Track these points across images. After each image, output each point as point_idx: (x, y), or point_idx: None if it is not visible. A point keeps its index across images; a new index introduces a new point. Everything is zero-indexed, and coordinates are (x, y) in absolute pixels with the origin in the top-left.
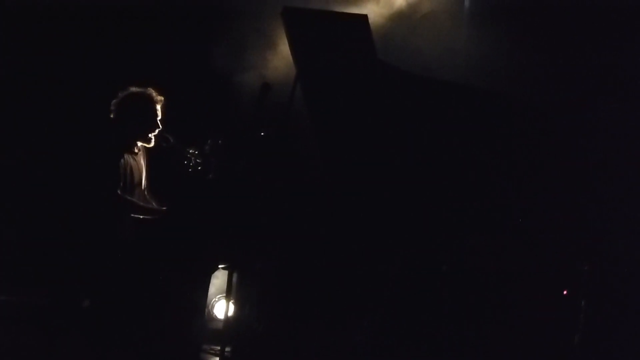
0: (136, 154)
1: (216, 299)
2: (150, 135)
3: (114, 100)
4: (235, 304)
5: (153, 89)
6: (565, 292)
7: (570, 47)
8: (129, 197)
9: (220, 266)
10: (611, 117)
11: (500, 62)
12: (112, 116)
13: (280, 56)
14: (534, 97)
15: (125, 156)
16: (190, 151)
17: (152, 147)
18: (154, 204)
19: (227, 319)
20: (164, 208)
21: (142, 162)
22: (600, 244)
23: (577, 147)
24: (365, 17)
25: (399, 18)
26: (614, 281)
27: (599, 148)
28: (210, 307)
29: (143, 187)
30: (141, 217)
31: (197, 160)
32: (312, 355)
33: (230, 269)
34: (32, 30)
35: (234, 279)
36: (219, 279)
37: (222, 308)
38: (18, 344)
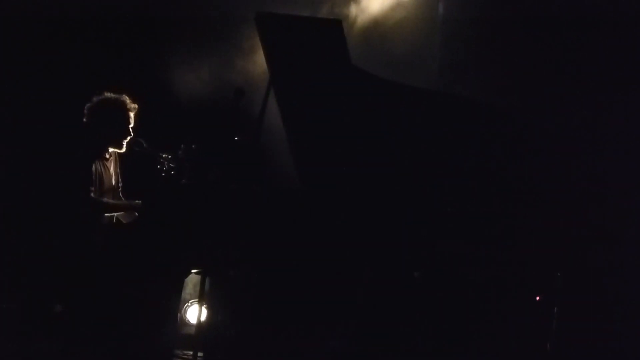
0: (107, 159)
1: (189, 304)
2: (121, 141)
3: (88, 105)
4: (207, 309)
5: (127, 96)
6: (538, 298)
7: (544, 52)
8: (100, 198)
9: (193, 271)
10: (584, 122)
11: (473, 68)
12: (84, 120)
13: (254, 61)
14: (507, 102)
15: (97, 162)
16: (164, 156)
17: (125, 151)
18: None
19: (199, 324)
20: (137, 202)
21: (113, 168)
22: (574, 250)
23: (550, 153)
24: (339, 22)
25: (374, 24)
26: (587, 287)
27: (572, 154)
28: (182, 312)
29: (116, 191)
30: (114, 218)
31: (171, 165)
32: None
33: (203, 274)
34: (6, 34)
35: (207, 283)
36: (191, 283)
37: (194, 313)
38: None
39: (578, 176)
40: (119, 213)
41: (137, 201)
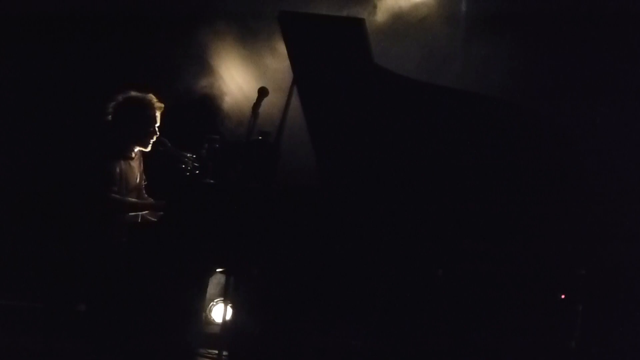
0: (132, 158)
1: (214, 303)
2: (147, 141)
3: (113, 103)
4: (232, 307)
5: (153, 95)
6: (562, 297)
7: (569, 50)
8: (122, 198)
9: (217, 270)
10: (611, 121)
11: (497, 66)
12: (109, 119)
13: (277, 60)
14: (532, 101)
15: (121, 161)
16: (187, 155)
17: (149, 151)
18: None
19: (224, 322)
20: (160, 202)
21: (137, 167)
22: (598, 248)
23: (575, 151)
24: (362, 20)
25: (396, 22)
26: (611, 286)
27: (598, 151)
28: (207, 311)
29: (139, 192)
30: (138, 218)
31: (194, 164)
32: None
33: (227, 273)
34: (31, 31)
35: (232, 282)
36: (216, 282)
37: (219, 312)
38: (14, 349)
39: (603, 172)
40: (143, 212)
41: (159, 201)
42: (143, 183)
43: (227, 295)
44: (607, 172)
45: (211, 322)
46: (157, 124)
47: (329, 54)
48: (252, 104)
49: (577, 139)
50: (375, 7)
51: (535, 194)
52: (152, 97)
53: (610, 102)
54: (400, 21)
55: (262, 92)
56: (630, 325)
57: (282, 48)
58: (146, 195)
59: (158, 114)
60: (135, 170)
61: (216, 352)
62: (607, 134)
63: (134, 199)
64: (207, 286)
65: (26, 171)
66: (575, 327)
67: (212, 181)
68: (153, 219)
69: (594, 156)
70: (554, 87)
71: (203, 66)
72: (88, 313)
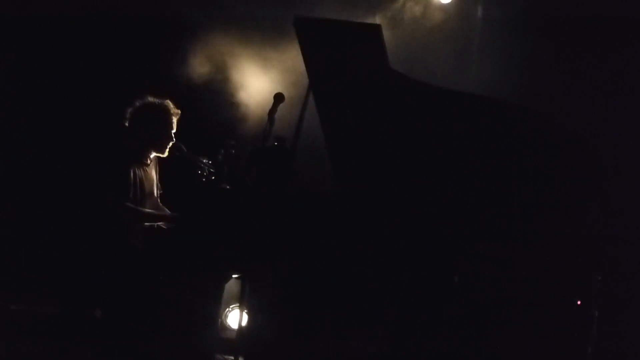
0: (148, 164)
1: (229, 309)
2: (164, 146)
3: (130, 109)
4: (248, 313)
5: (170, 101)
6: (579, 303)
7: (582, 57)
8: (137, 207)
9: (233, 276)
10: (627, 127)
11: (513, 72)
12: (126, 124)
13: (293, 66)
14: (546, 107)
15: (137, 166)
16: (204, 160)
17: (167, 156)
18: (167, 212)
19: (240, 328)
20: (175, 213)
21: (154, 172)
22: (614, 253)
23: (591, 157)
24: (378, 26)
25: (413, 27)
26: (627, 291)
27: (615, 158)
28: (223, 316)
29: (155, 197)
30: (154, 225)
31: (210, 170)
32: None
33: (243, 279)
34: (49, 34)
35: (247, 288)
36: (232, 288)
37: (235, 318)
38: (31, 354)
39: (622, 179)
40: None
41: (174, 213)
42: (158, 191)
43: (242, 301)
44: (626, 177)
45: (227, 328)
46: (174, 130)
47: (344, 59)
48: (268, 110)
49: (594, 145)
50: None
51: (552, 199)
52: (169, 103)
53: (622, 105)
54: (417, 26)
55: (278, 98)
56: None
57: (298, 53)
58: (161, 204)
59: (175, 120)
60: (151, 176)
61: (232, 357)
62: (625, 140)
63: (150, 210)
64: (223, 292)
65: (41, 175)
66: (591, 333)
67: (228, 186)
68: (168, 226)
69: (612, 161)
70: (570, 94)
71: (219, 71)
72: (104, 319)
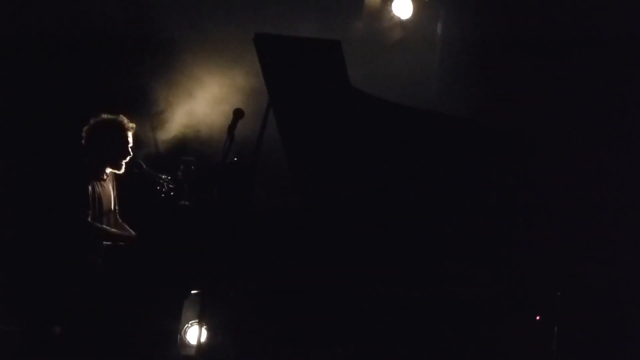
0: (104, 180)
1: (189, 325)
2: (120, 162)
3: (85, 127)
4: (207, 330)
5: (124, 116)
6: (538, 318)
7: (540, 71)
8: (98, 225)
9: (192, 292)
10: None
11: (472, 88)
12: (82, 142)
13: (253, 82)
14: (506, 124)
15: (94, 183)
16: (163, 177)
17: (124, 172)
18: (126, 228)
19: (199, 345)
20: (135, 234)
21: (111, 188)
22: (572, 270)
23: (549, 175)
24: (338, 43)
25: (373, 44)
26: (586, 307)
27: (571, 176)
28: (182, 333)
29: (113, 213)
30: (112, 243)
31: (170, 186)
32: None
33: (202, 294)
34: (7, 55)
35: (207, 304)
36: (192, 304)
37: (194, 334)
38: None
39: (579, 197)
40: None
41: (137, 234)
42: (117, 207)
43: (202, 317)
44: (583, 195)
45: (186, 344)
46: (130, 145)
47: (304, 75)
48: (227, 126)
49: (551, 163)
50: (353, 29)
51: (510, 217)
52: (123, 118)
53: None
54: (377, 43)
55: (238, 114)
56: (606, 346)
57: (258, 70)
58: (120, 220)
59: (130, 134)
60: (109, 191)
61: None
62: (580, 159)
63: (107, 228)
64: (182, 308)
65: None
66: (551, 349)
67: (187, 203)
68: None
69: (569, 179)
70: (529, 110)
71: (178, 88)
72: (63, 336)
